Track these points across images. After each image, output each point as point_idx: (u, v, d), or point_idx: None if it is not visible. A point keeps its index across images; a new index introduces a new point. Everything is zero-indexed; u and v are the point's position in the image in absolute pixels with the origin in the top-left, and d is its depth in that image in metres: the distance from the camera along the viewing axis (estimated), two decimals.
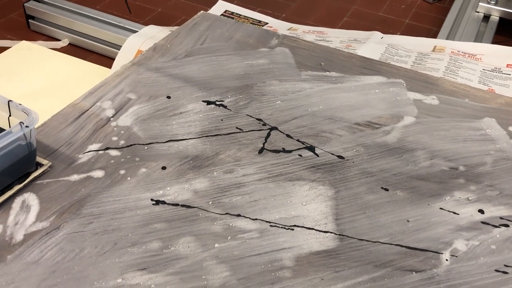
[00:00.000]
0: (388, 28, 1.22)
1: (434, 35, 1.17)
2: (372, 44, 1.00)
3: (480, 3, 1.20)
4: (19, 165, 0.52)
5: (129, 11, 1.08)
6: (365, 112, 0.68)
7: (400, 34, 1.19)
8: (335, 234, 0.51)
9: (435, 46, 1.01)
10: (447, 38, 1.08)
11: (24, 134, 0.50)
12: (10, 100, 0.53)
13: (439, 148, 0.63)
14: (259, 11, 1.23)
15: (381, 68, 0.77)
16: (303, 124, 0.66)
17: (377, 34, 1.06)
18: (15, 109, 0.53)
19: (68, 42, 1.11)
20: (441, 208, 0.55)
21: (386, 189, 0.57)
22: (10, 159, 0.50)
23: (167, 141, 0.62)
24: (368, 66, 0.77)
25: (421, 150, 0.63)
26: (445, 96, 0.72)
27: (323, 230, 0.52)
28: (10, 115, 0.54)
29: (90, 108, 0.66)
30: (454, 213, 0.55)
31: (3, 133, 0.49)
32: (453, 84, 0.75)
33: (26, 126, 0.50)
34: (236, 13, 1.17)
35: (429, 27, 1.24)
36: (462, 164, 0.61)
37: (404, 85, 0.73)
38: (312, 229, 0.52)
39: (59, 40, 1.12)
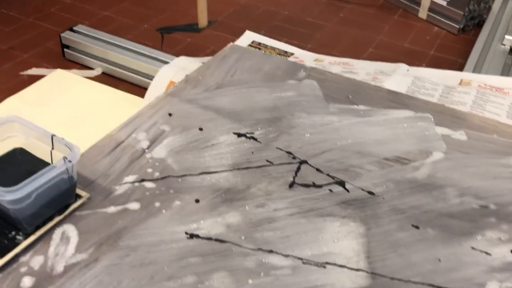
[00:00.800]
0: (413, 59, 1.23)
1: (460, 67, 1.18)
2: (399, 77, 1.01)
3: (506, 36, 1.20)
4: (61, 197, 0.54)
5: (161, 47, 1.11)
6: (394, 147, 0.69)
7: (425, 66, 1.19)
8: (367, 272, 0.52)
9: (461, 80, 1.01)
10: (473, 71, 1.09)
11: (66, 168, 0.52)
12: (54, 135, 0.56)
13: (469, 185, 0.63)
14: (285, 41, 1.26)
15: (408, 102, 0.78)
16: (332, 158, 0.67)
17: (403, 67, 1.07)
18: (58, 143, 0.55)
19: (101, 71, 1.15)
20: (472, 248, 0.55)
21: (417, 227, 0.57)
22: (53, 192, 0.52)
23: (200, 174, 0.63)
24: (396, 100, 0.78)
25: (450, 187, 0.63)
26: (473, 131, 0.72)
27: (355, 268, 0.52)
28: (52, 149, 0.57)
29: (126, 139, 0.68)
30: (486, 253, 0.55)
31: (48, 167, 0.51)
32: (481, 119, 0.76)
33: (69, 161, 0.52)
34: (263, 44, 1.20)
35: (454, 58, 1.25)
36: (493, 202, 0.61)
37: (432, 119, 0.74)
38: (344, 266, 0.52)
39: (92, 69, 1.16)
